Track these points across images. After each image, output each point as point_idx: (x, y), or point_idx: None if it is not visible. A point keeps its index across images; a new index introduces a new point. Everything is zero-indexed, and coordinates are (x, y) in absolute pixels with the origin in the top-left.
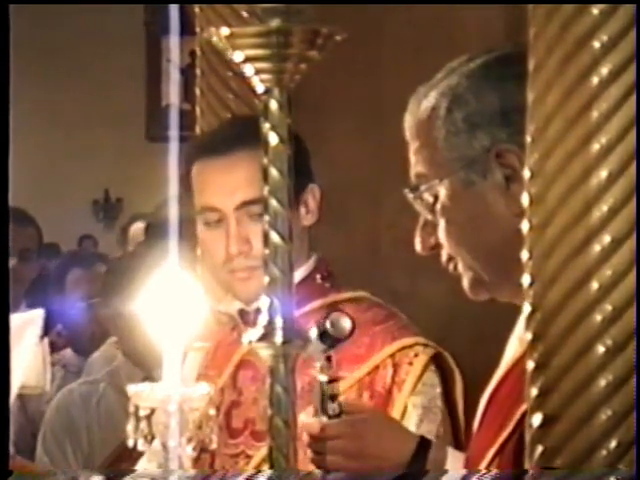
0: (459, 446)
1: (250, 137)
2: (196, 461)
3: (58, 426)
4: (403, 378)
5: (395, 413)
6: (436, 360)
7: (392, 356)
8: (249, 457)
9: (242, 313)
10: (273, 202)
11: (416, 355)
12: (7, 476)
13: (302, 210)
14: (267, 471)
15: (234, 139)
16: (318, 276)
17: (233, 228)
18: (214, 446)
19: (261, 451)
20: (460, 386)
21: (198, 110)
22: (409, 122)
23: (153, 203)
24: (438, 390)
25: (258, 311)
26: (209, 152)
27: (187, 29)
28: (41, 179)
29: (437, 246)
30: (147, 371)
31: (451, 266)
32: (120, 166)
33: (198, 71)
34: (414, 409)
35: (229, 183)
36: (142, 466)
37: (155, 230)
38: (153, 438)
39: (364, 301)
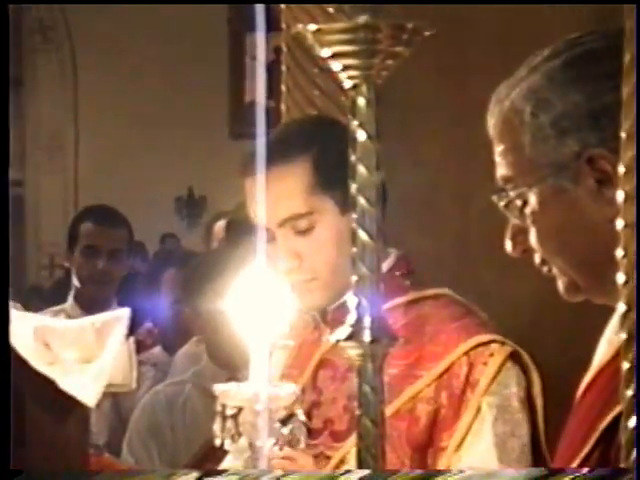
0: (537, 448)
1: (289, 150)
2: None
3: (144, 427)
4: (477, 378)
5: (468, 414)
6: (514, 359)
7: (467, 354)
8: (328, 458)
9: (322, 312)
10: (361, 200)
11: (491, 355)
12: (7, 476)
13: None
14: (358, 471)
15: (272, 153)
16: (397, 273)
17: (279, 245)
18: (302, 446)
19: (339, 452)
20: (538, 386)
21: (284, 107)
22: (491, 123)
23: (236, 201)
24: (514, 390)
25: (336, 310)
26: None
27: (272, 26)
28: (124, 177)
29: (529, 249)
30: (232, 371)
31: (545, 269)
32: (203, 163)
33: (284, 68)
34: (488, 409)
35: (269, 200)
36: (226, 465)
37: (236, 228)
38: (240, 437)
39: (443, 298)
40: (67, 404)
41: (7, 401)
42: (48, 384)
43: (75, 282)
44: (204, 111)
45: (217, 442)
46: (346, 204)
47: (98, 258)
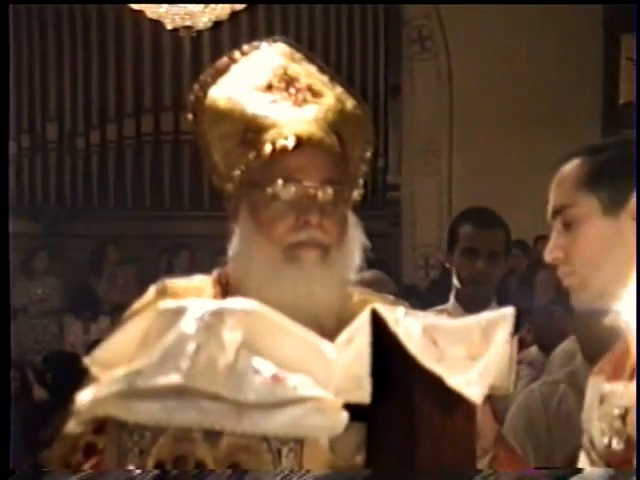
0: None
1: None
2: None
3: (519, 426)
4: None
5: None
6: None
7: None
8: None
9: None
10: None
11: None
12: (7, 476)
13: None
14: None
15: None
16: None
17: (551, 236)
18: None
19: None
20: None
21: None
22: None
23: None
24: None
25: None
26: None
27: None
28: (496, 179)
29: None
30: None
31: None
32: None
33: None
34: None
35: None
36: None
37: None
38: (627, 437)
39: None
40: (454, 400)
41: (7, 401)
42: (436, 380)
43: (455, 283)
44: (576, 112)
45: (604, 441)
46: (611, 205)
47: (477, 260)
